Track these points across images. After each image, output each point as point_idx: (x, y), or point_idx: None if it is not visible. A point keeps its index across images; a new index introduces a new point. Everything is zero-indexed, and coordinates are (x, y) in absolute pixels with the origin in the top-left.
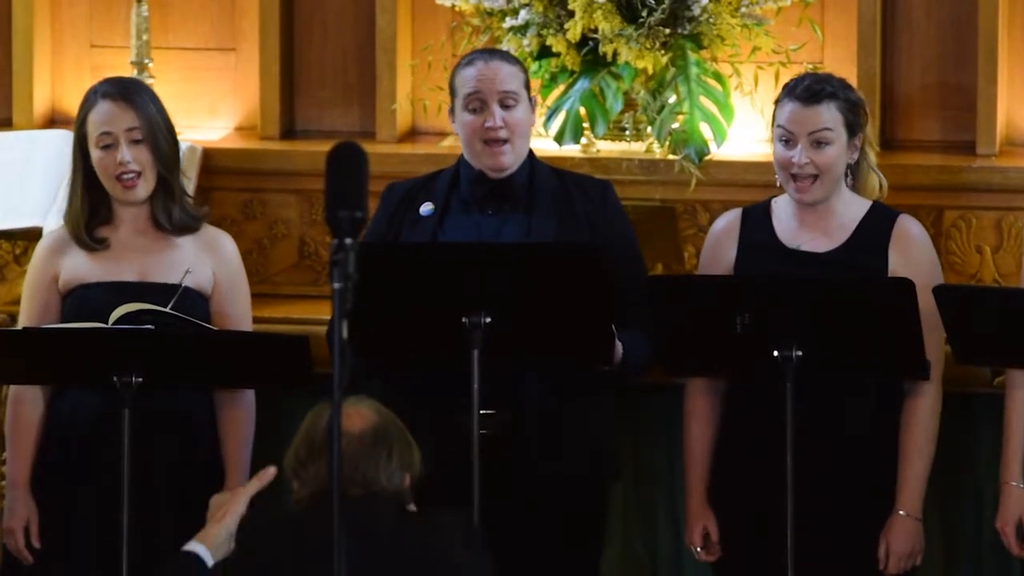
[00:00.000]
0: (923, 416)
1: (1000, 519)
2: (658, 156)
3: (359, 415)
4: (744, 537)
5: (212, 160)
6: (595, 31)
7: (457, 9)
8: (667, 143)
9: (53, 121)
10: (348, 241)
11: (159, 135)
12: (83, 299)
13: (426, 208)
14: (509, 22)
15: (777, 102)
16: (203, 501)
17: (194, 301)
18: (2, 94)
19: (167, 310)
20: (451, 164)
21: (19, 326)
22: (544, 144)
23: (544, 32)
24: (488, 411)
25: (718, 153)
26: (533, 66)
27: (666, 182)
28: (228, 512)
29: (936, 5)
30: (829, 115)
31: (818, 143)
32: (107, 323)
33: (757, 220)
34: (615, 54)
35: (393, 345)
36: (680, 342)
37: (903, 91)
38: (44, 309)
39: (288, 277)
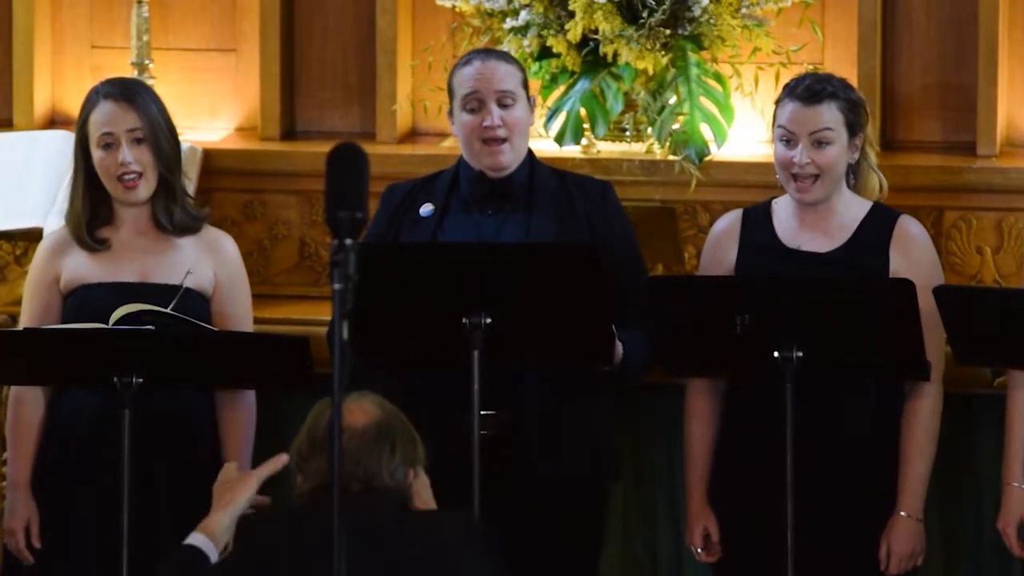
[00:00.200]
0: (924, 417)
1: (1002, 520)
2: (658, 157)
3: (362, 410)
4: (744, 537)
5: (212, 161)
6: (596, 32)
7: (458, 10)
8: (667, 144)
9: (53, 122)
10: (348, 242)
11: (161, 136)
12: (84, 299)
13: (426, 209)
14: (510, 23)
15: (778, 102)
16: (203, 501)
17: (195, 302)
18: (2, 95)
19: (167, 311)
20: (451, 165)
21: (20, 326)
22: (544, 145)
23: (545, 33)
24: (488, 411)
25: (718, 154)
26: (534, 67)
27: (666, 183)
28: (236, 497)
29: (936, 6)
30: (830, 115)
31: (819, 143)
32: (108, 324)
33: (758, 221)
34: (615, 55)
35: (393, 345)
36: (680, 342)
37: (903, 92)
38: (45, 309)
39: (288, 278)
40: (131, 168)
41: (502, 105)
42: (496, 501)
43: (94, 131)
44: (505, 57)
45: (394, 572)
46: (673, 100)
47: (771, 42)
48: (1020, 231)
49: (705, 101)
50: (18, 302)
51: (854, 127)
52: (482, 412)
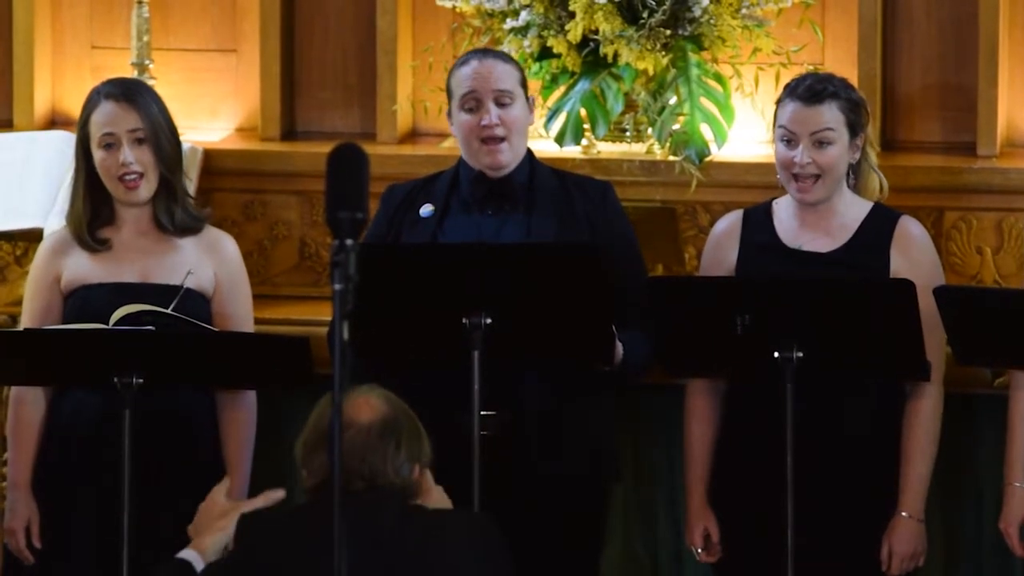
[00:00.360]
0: (925, 417)
1: (1004, 520)
2: (659, 157)
3: (368, 405)
4: (744, 537)
5: (213, 161)
6: (596, 32)
7: (458, 10)
8: (668, 144)
9: (54, 122)
10: (349, 242)
11: (162, 136)
12: (85, 300)
13: (426, 209)
14: (510, 23)
15: (779, 102)
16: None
17: (196, 302)
18: (3, 95)
19: (168, 311)
20: (451, 165)
21: (21, 326)
22: (545, 145)
23: (545, 33)
24: (488, 412)
25: (719, 154)
26: (534, 67)
27: (667, 183)
28: (229, 525)
29: (937, 6)
30: (831, 115)
31: (820, 143)
32: (108, 324)
33: (758, 221)
34: (616, 55)
35: (393, 346)
36: (680, 343)
37: (904, 92)
38: (46, 310)
39: (289, 278)
40: (132, 168)
41: (500, 104)
42: (496, 501)
43: (95, 131)
44: (503, 57)
45: (394, 572)
46: (673, 100)
47: (771, 42)
48: (1020, 231)
49: (705, 101)
50: (18, 302)
51: (855, 127)
52: (482, 412)
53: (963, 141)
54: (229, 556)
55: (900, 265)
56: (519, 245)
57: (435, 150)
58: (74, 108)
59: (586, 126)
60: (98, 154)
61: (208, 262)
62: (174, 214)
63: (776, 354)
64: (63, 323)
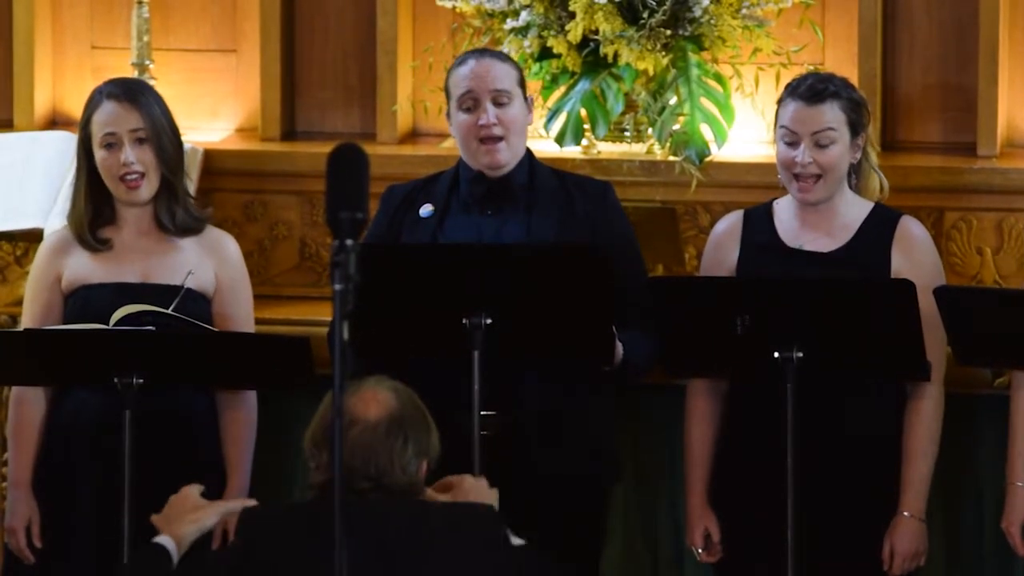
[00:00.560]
0: (926, 417)
1: (1006, 519)
2: (659, 157)
3: (376, 401)
4: (745, 538)
5: (213, 161)
6: (596, 32)
7: (458, 10)
8: (668, 144)
9: (54, 122)
10: (349, 242)
11: (163, 136)
12: (86, 300)
13: (426, 209)
14: (510, 23)
15: (780, 102)
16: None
17: (196, 302)
18: (3, 95)
19: (168, 311)
20: (452, 166)
21: (22, 326)
22: (545, 145)
23: (545, 33)
24: (488, 412)
25: (719, 154)
26: (534, 67)
27: (667, 183)
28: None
29: (937, 6)
30: (832, 114)
31: (821, 142)
32: (108, 324)
33: (759, 221)
34: (616, 55)
35: (394, 346)
36: (681, 343)
37: (904, 92)
38: (47, 309)
39: (289, 278)
40: (133, 168)
41: (497, 104)
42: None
43: (97, 131)
44: (500, 56)
45: (400, 570)
46: (673, 101)
47: (771, 43)
48: (1020, 232)
49: (705, 102)
50: (19, 303)
51: (856, 127)
52: (482, 412)
53: (963, 141)
54: (232, 550)
55: (901, 265)
56: (519, 245)
57: (435, 150)
58: (74, 108)
59: (586, 126)
60: (99, 154)
61: (209, 262)
62: (175, 214)
63: (776, 354)
64: (64, 323)
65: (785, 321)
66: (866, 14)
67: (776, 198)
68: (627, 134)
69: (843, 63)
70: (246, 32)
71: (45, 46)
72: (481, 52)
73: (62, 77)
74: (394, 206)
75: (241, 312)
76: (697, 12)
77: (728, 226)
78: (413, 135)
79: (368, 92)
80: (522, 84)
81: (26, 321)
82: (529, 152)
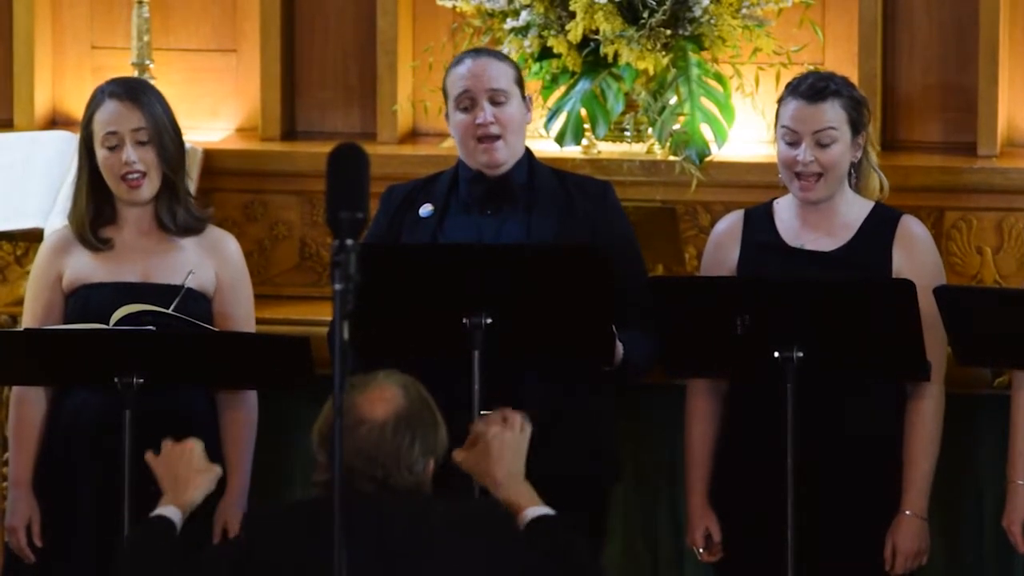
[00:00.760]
0: (927, 417)
1: (1007, 517)
2: (659, 157)
3: (383, 400)
4: (745, 537)
5: (213, 161)
6: (596, 32)
7: (458, 10)
8: (668, 144)
9: (54, 122)
10: (349, 242)
11: (165, 136)
12: (87, 299)
13: (425, 209)
14: (510, 23)
15: (780, 101)
16: (204, 501)
17: (197, 302)
18: (3, 95)
19: (168, 311)
20: (451, 166)
21: (23, 326)
22: (545, 145)
23: (545, 33)
24: (488, 412)
25: (719, 154)
26: (534, 67)
27: (667, 183)
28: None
29: (937, 6)
30: (833, 113)
31: (823, 141)
32: (109, 324)
33: (759, 221)
34: (616, 55)
35: (394, 346)
36: (681, 343)
37: (904, 92)
38: (48, 309)
39: (289, 278)
40: (135, 168)
41: (494, 103)
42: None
43: (99, 130)
44: (497, 55)
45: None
46: (674, 100)
47: (772, 42)
48: (1020, 231)
49: (706, 101)
50: (19, 302)
51: (857, 125)
52: (482, 412)
53: (963, 141)
54: (234, 546)
55: (902, 264)
56: (519, 245)
57: (435, 150)
58: (74, 108)
59: (586, 126)
60: (101, 153)
61: (209, 262)
62: (176, 214)
63: (776, 354)
64: (65, 322)
65: (785, 321)
66: (866, 14)
67: (776, 198)
68: (627, 134)
69: (843, 63)
70: (246, 32)
71: (45, 46)
72: (477, 52)
73: (62, 77)
74: (394, 206)
75: (241, 312)
76: (697, 12)
77: (728, 226)
78: (413, 135)
79: (368, 92)
80: (519, 83)
81: (27, 320)
82: (529, 152)
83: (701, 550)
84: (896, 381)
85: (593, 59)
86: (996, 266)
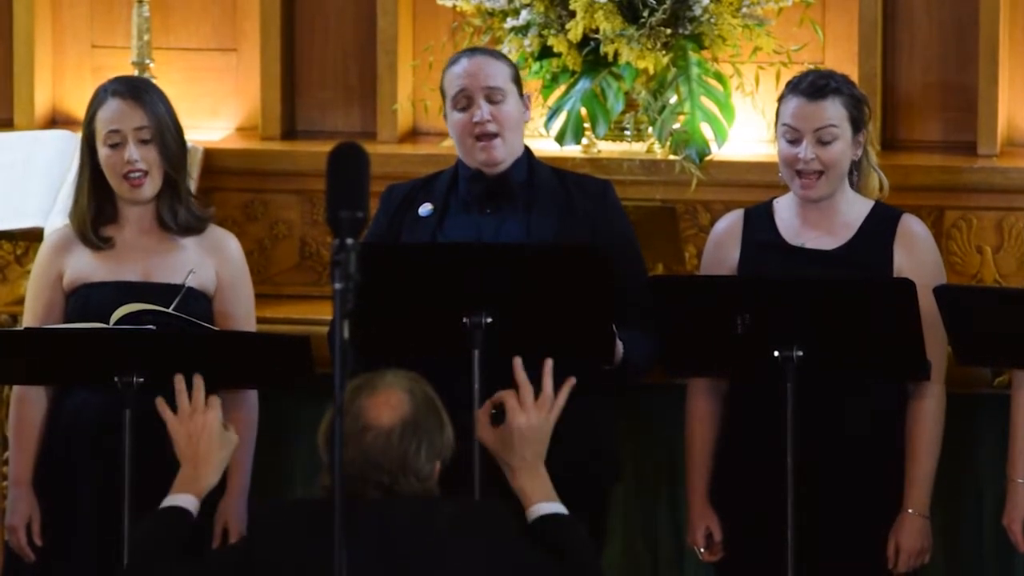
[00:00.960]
0: (929, 416)
1: (1007, 516)
2: (659, 156)
3: (389, 406)
4: (746, 537)
5: (213, 161)
6: (596, 31)
7: (458, 9)
8: (668, 143)
9: (54, 122)
10: (349, 241)
11: (167, 135)
12: (87, 298)
13: (425, 209)
14: (510, 22)
15: (781, 99)
16: (204, 501)
17: (197, 301)
18: (3, 95)
19: (169, 310)
20: (451, 165)
21: (23, 324)
22: (545, 144)
23: (545, 32)
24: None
25: (719, 153)
26: (534, 66)
27: (667, 182)
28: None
29: (937, 6)
30: (834, 111)
31: (824, 139)
32: (109, 323)
33: (760, 220)
34: (616, 54)
35: (394, 345)
36: (681, 343)
37: (904, 92)
38: (49, 308)
39: (289, 277)
40: (137, 166)
41: (491, 101)
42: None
43: (101, 128)
44: (493, 54)
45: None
46: (674, 99)
47: (772, 41)
48: (1020, 231)
49: (706, 100)
50: (19, 302)
51: (857, 123)
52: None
53: (963, 141)
54: (237, 546)
55: (903, 263)
56: (519, 244)
57: (435, 150)
58: (75, 108)
59: (586, 125)
60: (103, 151)
61: (210, 261)
62: (177, 213)
63: (776, 353)
64: (65, 321)
65: (785, 320)
66: (866, 13)
67: (776, 197)
68: (627, 133)
69: (843, 62)
70: (246, 31)
71: (45, 46)
72: (473, 50)
73: (62, 76)
74: (394, 205)
75: (242, 311)
76: (697, 11)
77: (728, 225)
78: (413, 134)
79: (368, 91)
80: (516, 81)
81: (28, 319)
82: (528, 151)
83: (702, 550)
84: (896, 381)
85: (593, 58)
86: (996, 265)
